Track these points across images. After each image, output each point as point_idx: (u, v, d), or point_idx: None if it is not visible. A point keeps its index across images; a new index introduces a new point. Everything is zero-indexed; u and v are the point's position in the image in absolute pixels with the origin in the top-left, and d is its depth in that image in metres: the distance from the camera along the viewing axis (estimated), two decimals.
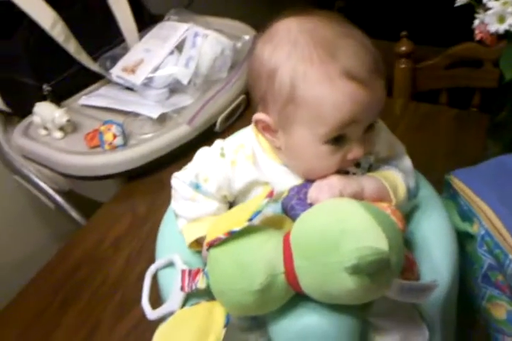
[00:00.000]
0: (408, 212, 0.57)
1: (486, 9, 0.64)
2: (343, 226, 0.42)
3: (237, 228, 0.46)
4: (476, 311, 0.63)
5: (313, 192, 0.51)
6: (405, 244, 0.54)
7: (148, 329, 0.49)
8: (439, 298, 0.51)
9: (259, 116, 0.53)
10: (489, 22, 0.63)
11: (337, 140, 0.51)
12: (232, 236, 0.46)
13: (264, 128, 0.54)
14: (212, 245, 0.47)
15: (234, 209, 0.52)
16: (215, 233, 0.47)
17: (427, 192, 0.60)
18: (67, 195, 1.11)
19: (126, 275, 0.78)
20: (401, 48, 1.11)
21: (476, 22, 0.66)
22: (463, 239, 0.61)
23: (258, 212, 0.46)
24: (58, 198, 1.10)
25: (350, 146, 0.52)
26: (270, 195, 0.47)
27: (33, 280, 0.80)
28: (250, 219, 0.46)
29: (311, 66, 0.48)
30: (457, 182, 0.62)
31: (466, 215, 0.61)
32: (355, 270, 0.40)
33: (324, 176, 0.53)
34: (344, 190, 0.50)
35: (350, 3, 2.01)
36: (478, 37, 0.69)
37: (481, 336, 0.63)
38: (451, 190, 0.64)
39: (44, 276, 0.80)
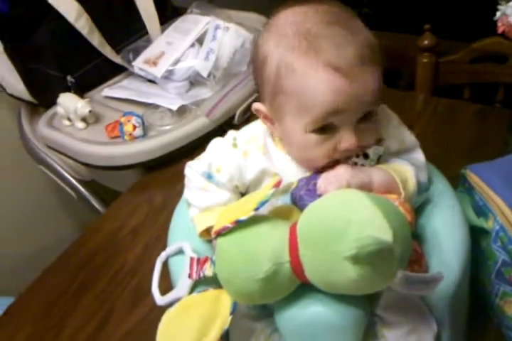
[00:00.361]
0: (420, 206, 0.57)
1: (509, 1, 0.63)
2: (349, 216, 0.43)
3: (243, 217, 0.46)
4: (490, 308, 0.62)
5: (322, 183, 0.51)
6: (415, 237, 0.54)
7: (161, 316, 0.50)
8: (448, 292, 0.50)
9: (256, 105, 0.55)
10: (511, 14, 0.62)
11: (323, 129, 0.51)
12: (239, 225, 0.47)
13: (265, 118, 0.55)
14: (219, 234, 0.48)
15: (242, 199, 0.52)
16: (223, 222, 0.48)
17: (440, 186, 0.59)
18: (89, 184, 1.14)
19: (142, 263, 0.79)
20: (424, 42, 1.09)
21: (498, 14, 0.65)
22: (478, 235, 0.61)
23: (265, 202, 0.47)
24: (80, 188, 1.13)
25: (341, 136, 0.51)
26: (277, 184, 0.47)
27: (52, 266, 0.82)
28: (257, 209, 0.46)
29: (296, 57, 0.49)
30: (473, 177, 0.61)
31: (481, 210, 0.60)
32: (356, 259, 0.40)
33: (330, 167, 0.53)
34: (352, 181, 0.50)
35: None
36: (500, 30, 0.68)
37: (494, 333, 0.62)
38: (467, 185, 0.63)
39: (63, 262, 0.82)
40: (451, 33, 1.19)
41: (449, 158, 0.87)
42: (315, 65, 0.48)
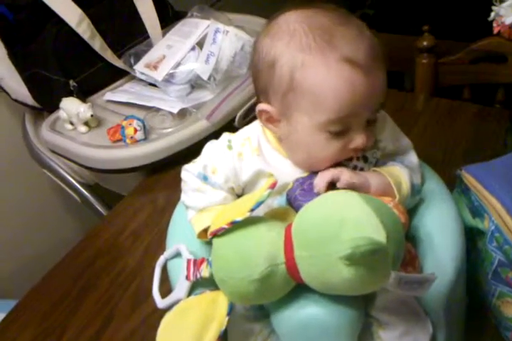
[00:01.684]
0: (415, 207, 0.57)
1: (503, 1, 0.63)
2: (343, 217, 0.43)
3: (239, 218, 0.47)
4: (487, 309, 0.62)
5: (319, 180, 0.52)
6: (409, 238, 0.54)
7: (161, 319, 0.51)
8: (442, 293, 0.51)
9: (262, 106, 0.54)
10: (505, 14, 0.62)
11: (338, 129, 0.51)
12: (235, 226, 0.47)
13: (267, 119, 0.55)
14: (215, 235, 0.48)
15: (238, 200, 0.53)
16: (219, 223, 0.48)
17: (435, 187, 0.60)
18: (92, 188, 1.15)
19: (144, 265, 0.80)
20: (423, 43, 1.09)
21: (492, 14, 0.65)
22: (474, 235, 0.61)
23: (260, 202, 0.47)
24: (84, 191, 1.14)
25: (351, 136, 0.52)
26: (273, 185, 0.48)
27: (54, 268, 0.83)
28: (252, 209, 0.47)
29: (310, 54, 0.49)
30: (468, 178, 0.61)
31: (477, 211, 0.60)
32: (350, 260, 0.41)
33: (326, 168, 0.53)
34: (350, 180, 0.51)
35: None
36: (495, 30, 0.69)
37: (491, 334, 0.62)
38: (463, 186, 0.63)
39: (65, 265, 0.83)
40: (449, 34, 1.19)
41: (449, 159, 0.87)
42: (330, 60, 0.48)
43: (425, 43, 1.09)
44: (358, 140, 0.52)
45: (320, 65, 0.49)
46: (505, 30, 0.66)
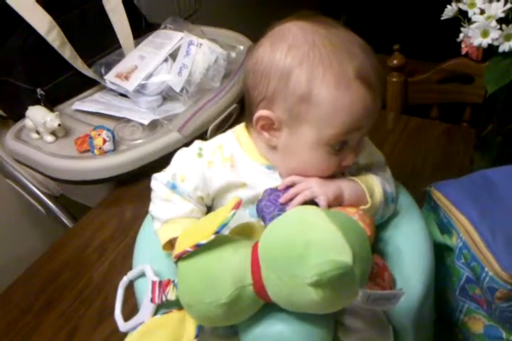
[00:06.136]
0: (384, 222, 0.58)
1: (471, 23, 0.65)
2: (307, 238, 0.42)
3: (204, 241, 0.45)
4: (455, 325, 0.62)
5: (288, 193, 0.52)
6: (376, 250, 0.54)
7: (125, 337, 0.49)
8: (411, 309, 0.51)
9: (263, 112, 0.52)
10: (473, 36, 0.64)
11: (339, 145, 0.52)
12: (200, 248, 0.46)
13: (264, 127, 0.54)
14: (180, 258, 0.47)
15: (203, 219, 0.51)
16: (183, 246, 0.47)
17: (405, 203, 0.60)
18: (58, 199, 1.12)
19: (109, 280, 0.78)
20: (393, 62, 1.12)
21: (461, 36, 0.67)
22: (442, 252, 0.61)
23: (225, 224, 0.46)
24: (49, 203, 1.11)
25: (345, 153, 0.53)
26: (237, 206, 0.47)
27: (16, 282, 0.80)
28: (217, 232, 0.45)
29: (330, 68, 0.49)
30: (437, 194, 0.62)
31: (446, 227, 0.61)
32: (318, 285, 0.40)
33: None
34: (321, 191, 0.51)
35: (353, 17, 2.03)
36: (464, 51, 0.70)
37: None
38: (432, 202, 0.64)
39: (28, 278, 0.80)
40: (419, 54, 1.22)
41: (417, 176, 0.89)
42: (349, 76, 0.49)
43: (395, 62, 1.11)
44: (350, 157, 0.53)
45: (339, 80, 0.49)
46: (472, 51, 0.68)
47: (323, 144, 0.52)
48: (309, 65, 0.49)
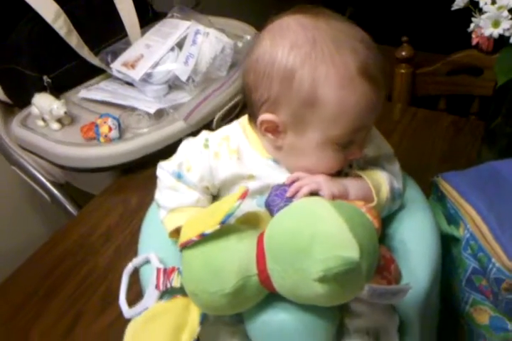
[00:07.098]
0: (391, 213, 0.57)
1: (482, 13, 0.64)
2: (314, 231, 0.42)
3: (209, 230, 0.45)
4: (460, 316, 0.62)
5: (294, 190, 0.51)
6: (383, 242, 0.54)
7: (129, 322, 0.49)
8: (416, 301, 0.50)
9: (267, 117, 0.51)
10: (484, 26, 0.63)
11: (345, 143, 0.52)
12: (205, 238, 0.46)
13: (268, 129, 0.52)
14: (185, 246, 0.47)
15: (209, 208, 0.50)
16: (188, 234, 0.46)
17: (413, 194, 0.60)
18: (63, 187, 1.12)
19: (113, 267, 0.78)
20: (401, 53, 1.11)
21: (472, 26, 0.66)
22: (449, 242, 0.61)
23: (230, 215, 0.45)
24: (54, 190, 1.10)
25: (353, 148, 0.53)
26: (243, 196, 0.46)
27: (21, 267, 0.80)
28: (222, 222, 0.45)
29: (333, 67, 0.47)
30: (444, 185, 0.62)
31: (453, 218, 0.61)
32: (323, 281, 0.40)
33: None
34: (331, 192, 0.51)
35: (360, 8, 2.02)
36: (474, 41, 0.69)
37: None
38: (439, 193, 0.63)
39: (32, 264, 0.81)
40: (428, 45, 1.21)
41: (424, 168, 0.88)
42: (355, 75, 0.48)
43: (404, 53, 1.10)
44: (357, 152, 0.53)
45: (343, 79, 0.47)
46: (483, 41, 0.67)
47: (330, 144, 0.51)
48: (312, 66, 0.48)
